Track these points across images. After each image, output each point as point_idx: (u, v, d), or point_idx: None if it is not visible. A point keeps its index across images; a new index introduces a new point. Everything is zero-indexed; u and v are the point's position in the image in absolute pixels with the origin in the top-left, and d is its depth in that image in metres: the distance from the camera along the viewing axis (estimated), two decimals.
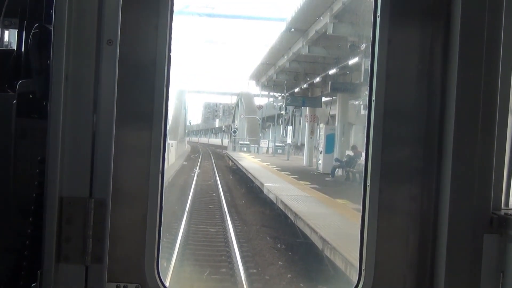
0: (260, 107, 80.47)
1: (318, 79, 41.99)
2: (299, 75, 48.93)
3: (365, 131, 3.26)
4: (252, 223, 22.16)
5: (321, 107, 48.81)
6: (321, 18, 32.10)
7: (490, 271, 3.03)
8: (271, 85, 63.20)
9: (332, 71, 36.73)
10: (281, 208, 21.73)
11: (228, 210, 24.14)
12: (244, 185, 34.89)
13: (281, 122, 73.68)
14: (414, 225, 3.17)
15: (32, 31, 3.19)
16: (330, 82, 37.08)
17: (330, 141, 36.86)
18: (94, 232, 2.97)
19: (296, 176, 32.53)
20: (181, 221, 20.64)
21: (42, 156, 2.99)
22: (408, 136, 3.18)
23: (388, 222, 3.17)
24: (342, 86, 36.57)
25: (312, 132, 47.51)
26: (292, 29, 37.15)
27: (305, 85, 48.15)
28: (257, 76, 67.15)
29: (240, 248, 16.74)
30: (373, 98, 3.17)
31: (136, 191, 3.13)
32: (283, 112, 68.10)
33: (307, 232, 16.65)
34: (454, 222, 3.04)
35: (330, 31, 30.76)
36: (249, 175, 35.65)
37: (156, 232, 3.14)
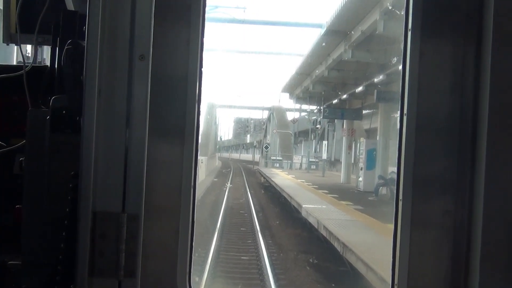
0: (294, 120, 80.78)
1: (360, 88, 41.35)
2: (338, 85, 48.63)
3: (397, 145, 3.43)
4: (290, 248, 21.57)
5: (361, 119, 48.65)
6: (369, 15, 31.12)
7: None
8: (306, 97, 63.22)
9: (378, 79, 35.81)
10: (325, 236, 20.65)
11: (261, 234, 23.91)
12: (278, 205, 34.95)
13: (313, 137, 73.91)
14: (448, 239, 3.33)
15: (65, 47, 3.41)
16: (376, 91, 36.47)
17: (371, 156, 36.70)
18: (127, 246, 3.16)
19: (336, 195, 32.38)
20: (210, 245, 20.39)
21: (76, 171, 3.19)
22: (440, 149, 3.34)
23: (421, 236, 3.33)
24: (388, 96, 35.92)
25: (349, 147, 47.34)
26: (333, 31, 35.75)
27: (345, 96, 47.80)
28: (291, 88, 67.22)
29: (276, 279, 16.38)
30: (405, 111, 3.34)
31: (168, 206, 3.31)
32: (318, 126, 68.17)
33: (361, 269, 15.29)
34: (487, 236, 3.21)
35: (380, 29, 29.80)
36: (283, 194, 35.45)
37: (188, 247, 3.32)
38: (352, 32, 34.94)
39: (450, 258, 3.35)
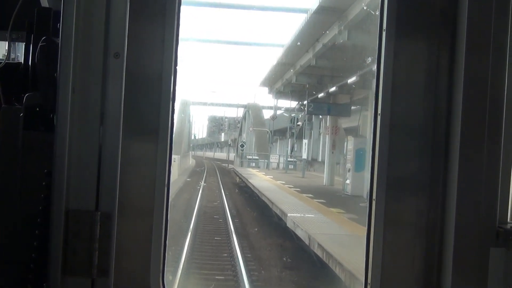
0: (274, 117, 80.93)
1: (354, 79, 39.53)
2: (326, 77, 47.80)
3: (371, 144, 3.71)
4: (276, 266, 19.94)
5: (349, 116, 48.06)
6: None
7: (497, 285, 3.46)
8: (287, 91, 62.32)
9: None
10: (321, 257, 17.39)
11: (239, 244, 22.60)
12: (257, 210, 34.15)
13: (290, 135, 74.03)
14: (420, 239, 3.60)
15: (40, 44, 3.60)
16: (374, 80, 34.34)
17: (360, 157, 36.03)
18: (100, 245, 3.39)
19: (323, 201, 31.36)
20: (179, 260, 19.11)
21: (49, 169, 3.41)
22: (414, 149, 3.61)
23: (394, 235, 3.60)
24: None
25: (333, 146, 46.65)
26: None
27: (333, 89, 46.50)
28: (271, 82, 66.44)
29: None
30: (379, 111, 3.60)
31: (141, 205, 3.54)
32: (299, 123, 68.06)
33: None
34: (460, 235, 3.49)
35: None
36: (263, 198, 34.18)
37: (161, 245, 3.55)
38: (350, 9, 33.36)
39: (423, 258, 3.61)
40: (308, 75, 50.95)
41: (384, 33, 3.62)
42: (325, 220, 23.83)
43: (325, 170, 47.95)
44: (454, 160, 3.52)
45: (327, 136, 50.00)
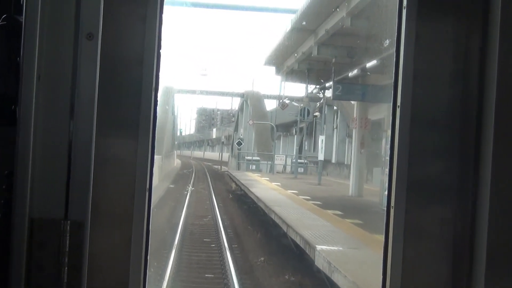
0: (283, 105, 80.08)
1: None
2: (359, 49, 45.02)
3: (389, 143, 3.96)
4: None
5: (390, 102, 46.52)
6: None
7: None
8: (303, 69, 60.60)
9: None
10: None
11: None
12: (265, 233, 32.64)
13: (296, 131, 73.01)
14: (447, 252, 3.87)
15: None
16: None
17: None
18: (70, 259, 3.63)
19: (359, 221, 29.58)
20: None
21: (10, 169, 3.62)
22: (439, 148, 3.87)
23: (416, 249, 3.85)
24: None
25: (362, 143, 46.34)
26: None
27: (372, 63, 43.63)
28: (280, 58, 64.55)
29: None
30: (398, 103, 3.87)
31: (119, 212, 3.81)
32: (317, 113, 67.23)
33: None
34: (493, 249, 3.72)
35: None
36: (273, 217, 32.47)
37: (142, 259, 3.82)
38: None
39: (450, 277, 3.88)
40: (333, 46, 49.26)
41: (404, 11, 3.87)
42: (377, 257, 20.10)
43: (351, 175, 48.31)
44: (487, 159, 3.76)
45: (353, 130, 49.61)
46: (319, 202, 38.29)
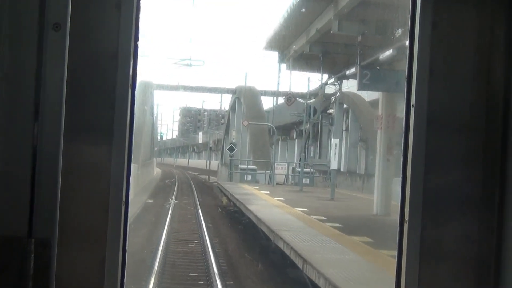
0: (290, 99, 78.96)
1: None
2: (390, 22, 44.13)
3: (402, 147, 4.12)
4: None
5: None
6: None
7: None
8: (317, 52, 59.67)
9: None
10: None
11: None
12: (269, 267, 30.86)
13: (298, 134, 71.57)
14: (469, 274, 4.03)
15: None
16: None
17: None
18: (35, 282, 3.80)
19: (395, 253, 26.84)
20: None
21: None
22: (460, 153, 4.04)
23: (434, 270, 4.03)
24: None
25: (390, 148, 45.88)
26: None
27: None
28: (285, 40, 64.11)
29: None
30: (413, 102, 4.06)
31: (91, 229, 3.97)
32: (331, 110, 66.24)
33: None
34: None
35: None
36: (280, 245, 29.26)
37: (118, 282, 4.00)
38: None
39: None
40: (359, 21, 47.56)
41: None
42: None
43: (376, 188, 47.04)
44: None
45: (378, 131, 48.44)
46: (339, 225, 35.80)
